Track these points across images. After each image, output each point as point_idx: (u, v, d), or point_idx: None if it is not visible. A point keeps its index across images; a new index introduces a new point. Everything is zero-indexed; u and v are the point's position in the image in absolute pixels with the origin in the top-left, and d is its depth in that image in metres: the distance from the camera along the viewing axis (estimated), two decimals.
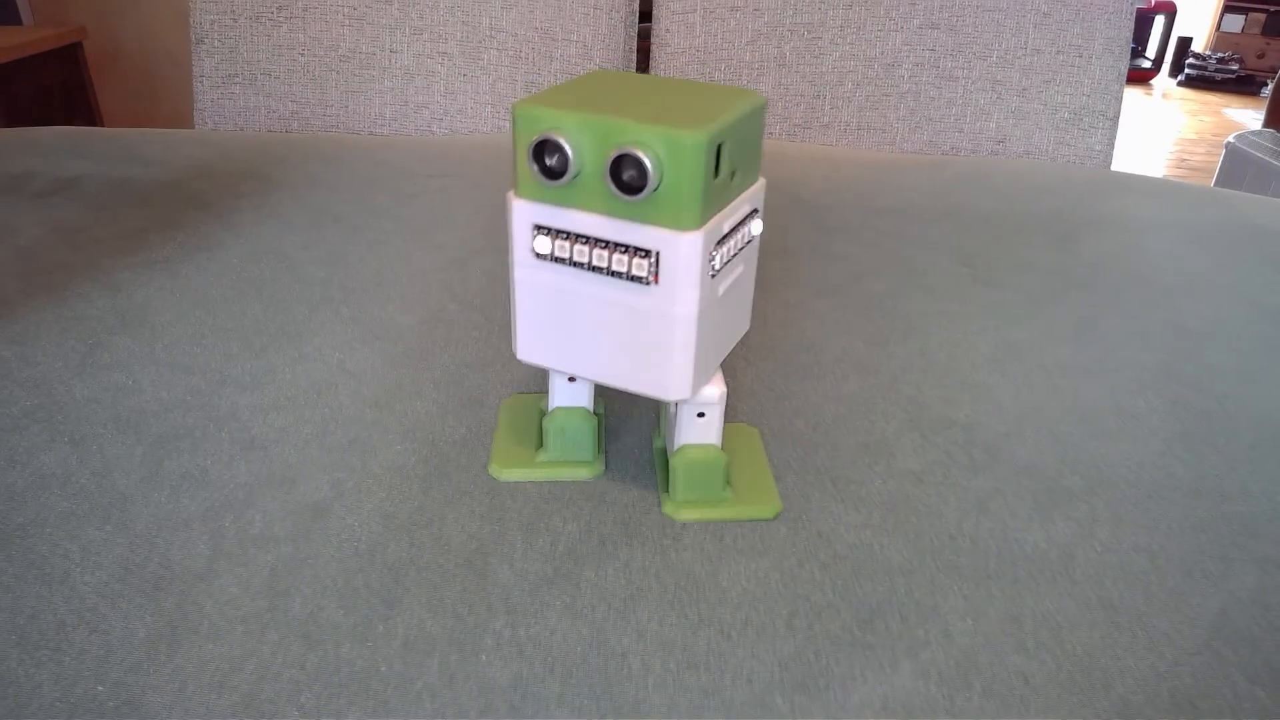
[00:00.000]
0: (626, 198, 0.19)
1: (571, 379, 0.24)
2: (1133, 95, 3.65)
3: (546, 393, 0.29)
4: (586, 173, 0.20)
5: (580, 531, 0.24)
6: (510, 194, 0.21)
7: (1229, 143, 1.53)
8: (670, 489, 0.25)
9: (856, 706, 0.19)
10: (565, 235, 0.21)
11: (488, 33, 0.72)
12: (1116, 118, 0.70)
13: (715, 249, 0.21)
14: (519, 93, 0.72)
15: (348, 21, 0.72)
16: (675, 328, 0.21)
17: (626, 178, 0.19)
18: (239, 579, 0.22)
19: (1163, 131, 3.11)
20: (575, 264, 0.21)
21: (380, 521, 0.24)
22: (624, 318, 0.21)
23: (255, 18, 0.72)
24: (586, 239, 0.21)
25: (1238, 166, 1.49)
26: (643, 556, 0.23)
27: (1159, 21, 3.94)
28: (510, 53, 0.72)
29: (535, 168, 0.20)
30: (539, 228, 0.21)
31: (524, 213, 0.21)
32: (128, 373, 0.30)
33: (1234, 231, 0.48)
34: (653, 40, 0.74)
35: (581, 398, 0.25)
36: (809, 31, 0.70)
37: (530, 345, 0.23)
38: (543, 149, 0.20)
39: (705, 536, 0.24)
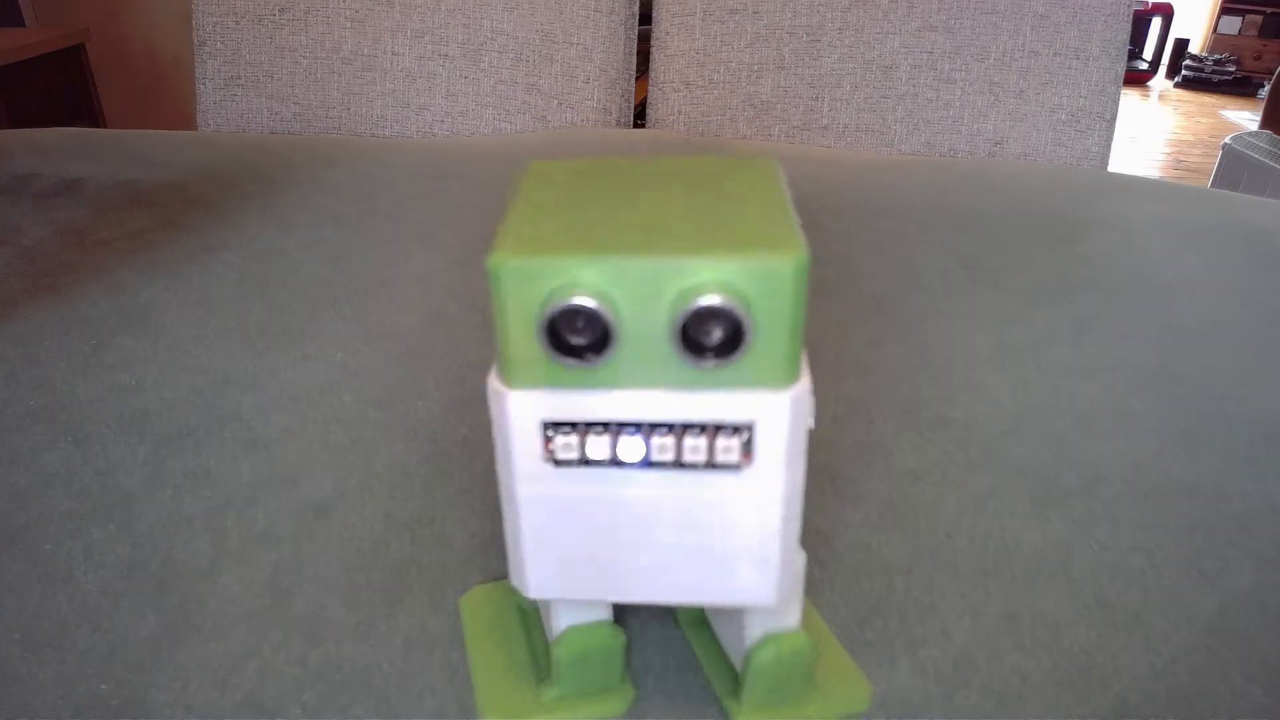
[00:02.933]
0: (704, 364, 0.13)
1: None
2: (1130, 97, 3.66)
3: (507, 580, 0.21)
4: (631, 338, 0.13)
5: None
6: (493, 381, 0.14)
7: (1226, 144, 1.53)
8: (745, 693, 0.18)
9: None
10: (601, 428, 0.14)
11: (489, 35, 0.72)
12: (1114, 119, 0.70)
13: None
14: (520, 95, 0.73)
15: (349, 24, 0.72)
16: (775, 516, 0.15)
17: (709, 339, 0.13)
18: (242, 578, 0.22)
19: (1160, 133, 3.12)
20: (619, 464, 0.15)
21: (382, 520, 0.24)
22: (697, 518, 0.15)
23: (257, 20, 0.72)
24: (636, 427, 0.14)
25: (1234, 168, 1.49)
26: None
27: (1156, 23, 3.95)
28: (511, 55, 0.72)
29: (551, 350, 0.13)
30: (555, 425, 0.14)
31: (528, 409, 0.14)
32: (131, 373, 0.31)
33: (1231, 232, 0.48)
34: (652, 43, 0.74)
35: (599, 608, 0.18)
36: (808, 34, 0.71)
37: (546, 578, 0.16)
38: (558, 322, 0.13)
39: None
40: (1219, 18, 3.88)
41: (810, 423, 0.15)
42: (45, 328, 0.33)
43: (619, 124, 0.75)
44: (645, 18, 0.74)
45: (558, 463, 0.15)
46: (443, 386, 0.30)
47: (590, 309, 0.13)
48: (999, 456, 0.28)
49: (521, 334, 0.14)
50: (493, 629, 0.20)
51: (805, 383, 0.14)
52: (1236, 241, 0.47)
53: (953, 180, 0.54)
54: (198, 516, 0.24)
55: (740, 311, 0.13)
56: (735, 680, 0.19)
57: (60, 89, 1.41)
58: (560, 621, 0.18)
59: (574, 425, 0.14)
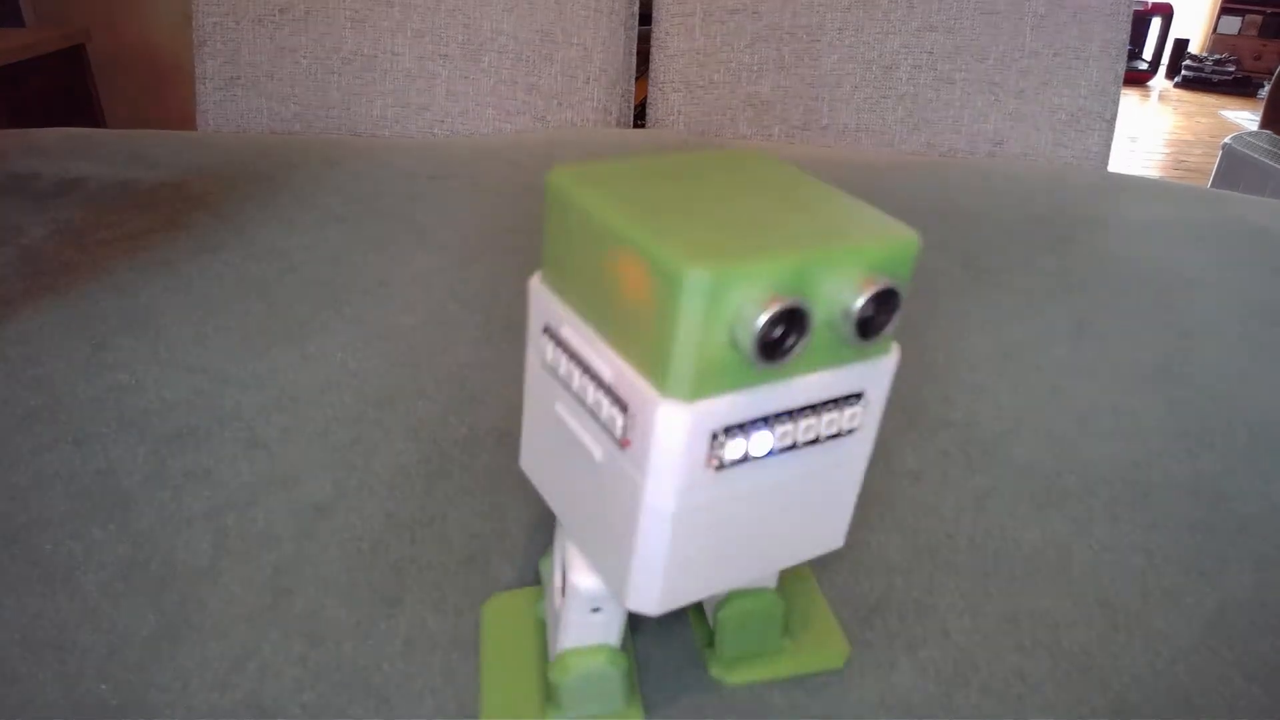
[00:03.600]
0: (866, 342, 0.14)
1: (597, 609, 0.17)
2: (1130, 97, 3.66)
3: (539, 585, 0.21)
4: (818, 328, 0.14)
5: None
6: (652, 400, 0.13)
7: (1226, 144, 1.53)
8: (716, 646, 0.19)
9: (854, 704, 0.19)
10: (765, 421, 0.14)
11: (489, 35, 0.72)
12: (1114, 119, 0.70)
13: None
14: (520, 95, 0.73)
15: (349, 24, 0.72)
16: (863, 464, 0.16)
17: (882, 317, 0.14)
18: (242, 577, 0.22)
19: (1159, 133, 3.12)
20: (781, 450, 0.15)
21: (382, 520, 0.24)
22: (818, 484, 0.16)
23: (257, 20, 0.72)
24: (789, 414, 0.14)
25: (1234, 168, 1.49)
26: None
27: (1156, 23, 3.95)
28: (511, 55, 0.72)
29: (758, 353, 0.13)
30: (728, 430, 0.14)
31: (703, 420, 0.14)
32: (131, 372, 0.31)
33: (1231, 232, 0.48)
34: (652, 43, 0.74)
35: (610, 632, 0.18)
36: (808, 34, 0.71)
37: (677, 588, 0.16)
38: (769, 326, 0.13)
39: None
40: (1219, 18, 3.88)
41: None
42: (45, 328, 0.33)
43: (619, 124, 0.75)
44: (645, 18, 0.74)
45: (720, 467, 0.14)
46: (443, 386, 0.30)
47: (801, 307, 0.13)
48: (999, 456, 0.28)
49: (707, 343, 0.13)
50: (509, 644, 0.20)
51: (899, 347, 0.16)
52: (1237, 241, 0.47)
53: (953, 180, 0.54)
54: (198, 516, 0.24)
55: (900, 287, 0.14)
56: (713, 634, 0.20)
57: (60, 89, 1.41)
58: (562, 644, 0.18)
59: (743, 426, 0.14)
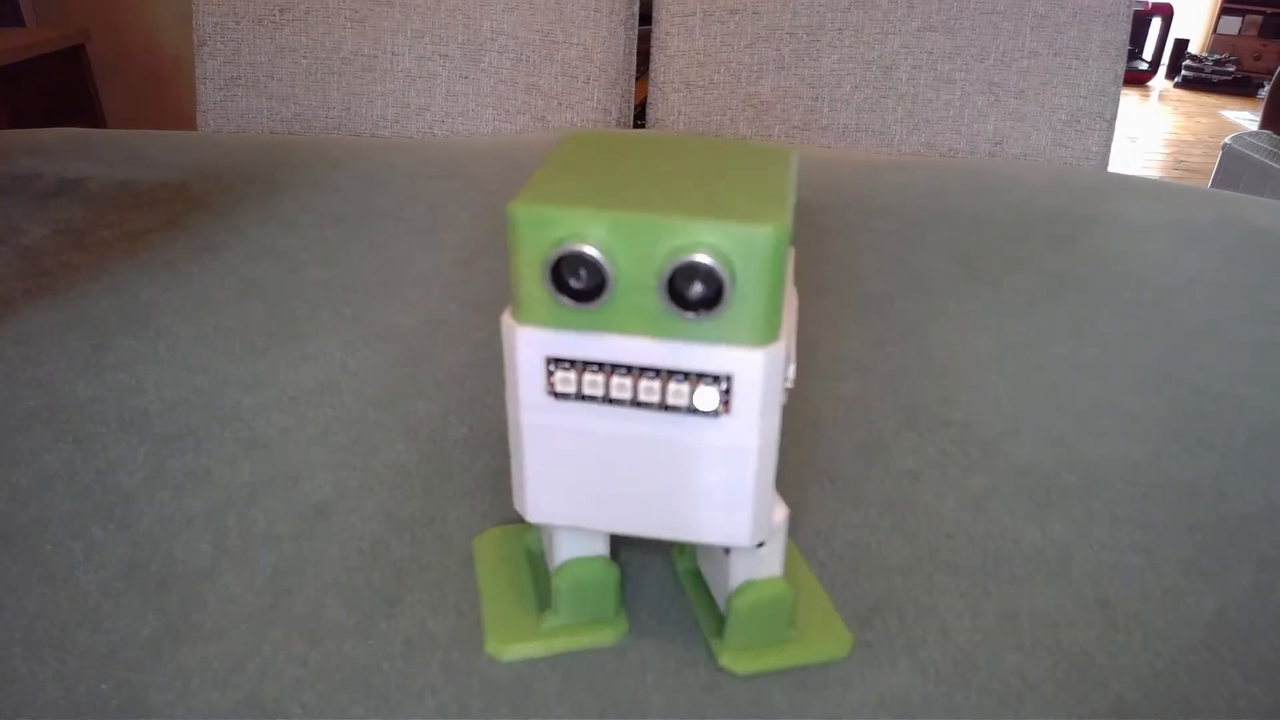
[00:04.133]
0: (688, 316, 0.15)
1: None
2: (1130, 97, 3.66)
3: (528, 524, 0.23)
4: (625, 288, 0.15)
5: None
6: (507, 318, 0.16)
7: (1226, 144, 1.53)
8: (727, 635, 0.20)
9: (855, 704, 0.19)
10: (596, 367, 0.16)
11: (489, 35, 0.72)
12: (1114, 119, 0.70)
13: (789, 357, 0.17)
14: (520, 95, 0.73)
15: (349, 24, 0.72)
16: (750, 463, 0.17)
17: (690, 293, 0.15)
18: (242, 578, 0.22)
19: (1159, 133, 3.12)
20: (612, 401, 0.16)
21: (382, 520, 0.24)
22: (680, 458, 0.17)
23: (258, 20, 0.72)
24: (628, 369, 0.16)
25: (1234, 168, 1.49)
26: (643, 555, 0.23)
27: (1156, 23, 3.95)
28: (511, 55, 0.72)
29: (555, 290, 0.15)
30: (557, 361, 0.16)
31: (534, 344, 0.16)
32: (131, 373, 0.31)
33: (1231, 232, 0.48)
34: (653, 43, 0.74)
35: (596, 544, 0.20)
36: (807, 34, 0.71)
37: (544, 503, 0.18)
38: (563, 266, 0.15)
39: None
40: (1219, 18, 3.88)
41: (789, 383, 0.17)
42: (45, 328, 0.33)
43: (619, 124, 0.75)
44: (645, 18, 0.74)
45: (557, 395, 0.17)
46: (443, 386, 0.30)
47: (589, 255, 0.15)
48: (999, 456, 0.28)
49: (531, 276, 0.15)
50: (502, 566, 0.22)
51: (782, 344, 0.16)
52: (1236, 241, 0.47)
53: (953, 180, 0.54)
54: (198, 516, 0.24)
55: (721, 270, 0.15)
56: (721, 623, 0.20)
57: (60, 89, 1.41)
58: (560, 555, 0.20)
59: (573, 363, 0.16)
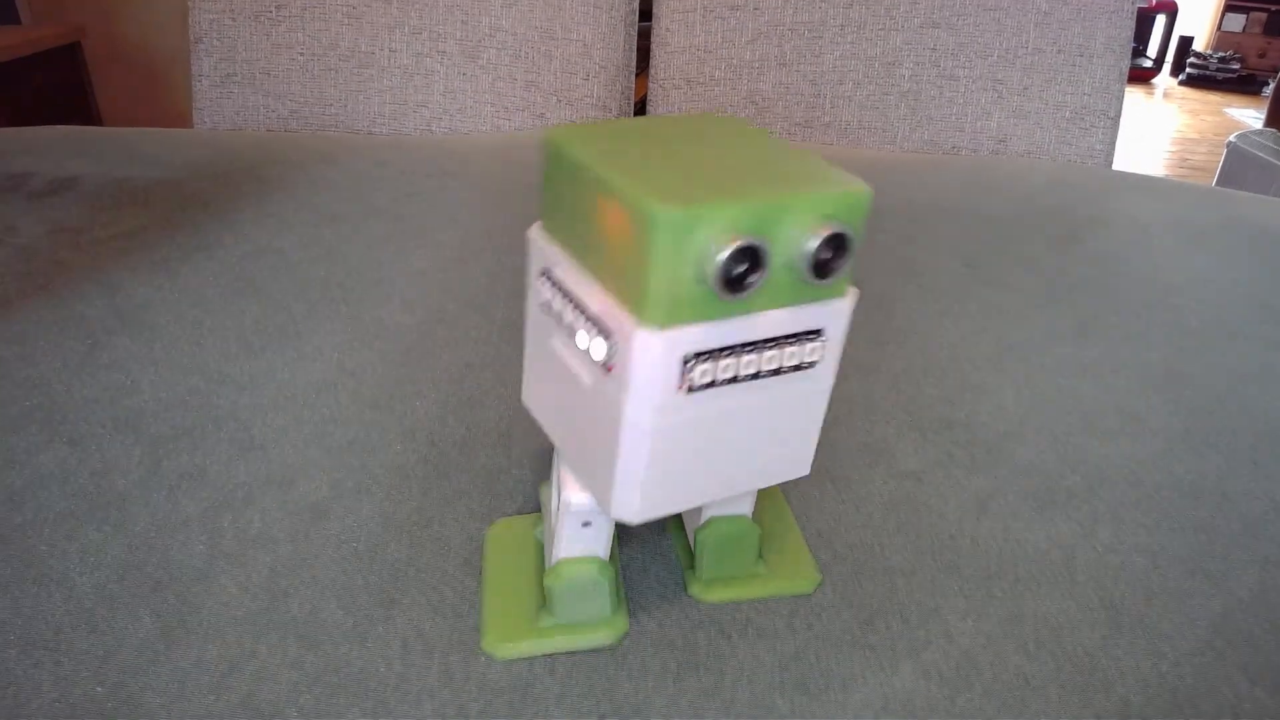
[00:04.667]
0: (821, 281, 0.16)
1: (587, 523, 0.20)
2: (1134, 94, 3.65)
3: (540, 512, 0.23)
4: (774, 267, 0.16)
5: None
6: (631, 327, 0.16)
7: (1230, 142, 1.53)
8: (696, 567, 0.21)
9: (857, 707, 0.19)
10: (729, 351, 0.16)
11: (487, 32, 0.72)
12: (1118, 117, 0.70)
13: None
14: (519, 92, 0.72)
15: (346, 20, 0.72)
16: (826, 399, 0.18)
17: (824, 258, 0.16)
18: (238, 579, 0.22)
19: (1164, 131, 3.11)
20: (736, 380, 0.17)
21: (379, 522, 0.24)
22: (781, 412, 0.18)
23: (254, 17, 0.72)
24: (752, 345, 0.17)
25: (1239, 166, 1.49)
26: (643, 555, 0.23)
27: (1160, 21, 3.94)
28: (510, 52, 0.72)
29: (722, 286, 0.15)
30: (698, 355, 0.16)
31: (676, 345, 0.16)
32: (126, 372, 0.30)
33: (1236, 231, 0.48)
34: (653, 39, 0.74)
35: (597, 544, 0.20)
36: (809, 30, 0.70)
37: (658, 499, 0.18)
38: (730, 262, 0.15)
39: None
40: (1223, 15, 3.87)
41: None
42: (40, 327, 0.33)
43: None
44: (645, 14, 0.74)
45: (691, 390, 0.17)
46: (440, 387, 0.30)
47: (758, 245, 0.15)
48: (1002, 457, 0.28)
49: (675, 277, 0.15)
50: (509, 560, 0.22)
51: (855, 291, 0.18)
52: (1242, 241, 0.46)
53: (955, 178, 0.54)
54: (194, 517, 0.24)
55: (851, 233, 0.16)
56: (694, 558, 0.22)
57: (56, 87, 1.41)
58: (558, 554, 0.20)
59: (710, 353, 0.16)
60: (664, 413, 0.17)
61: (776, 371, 0.17)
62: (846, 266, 0.16)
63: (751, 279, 0.15)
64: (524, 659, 0.20)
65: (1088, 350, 0.35)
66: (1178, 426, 0.30)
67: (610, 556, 0.21)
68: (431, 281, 0.38)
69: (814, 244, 0.15)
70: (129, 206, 0.44)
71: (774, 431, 0.18)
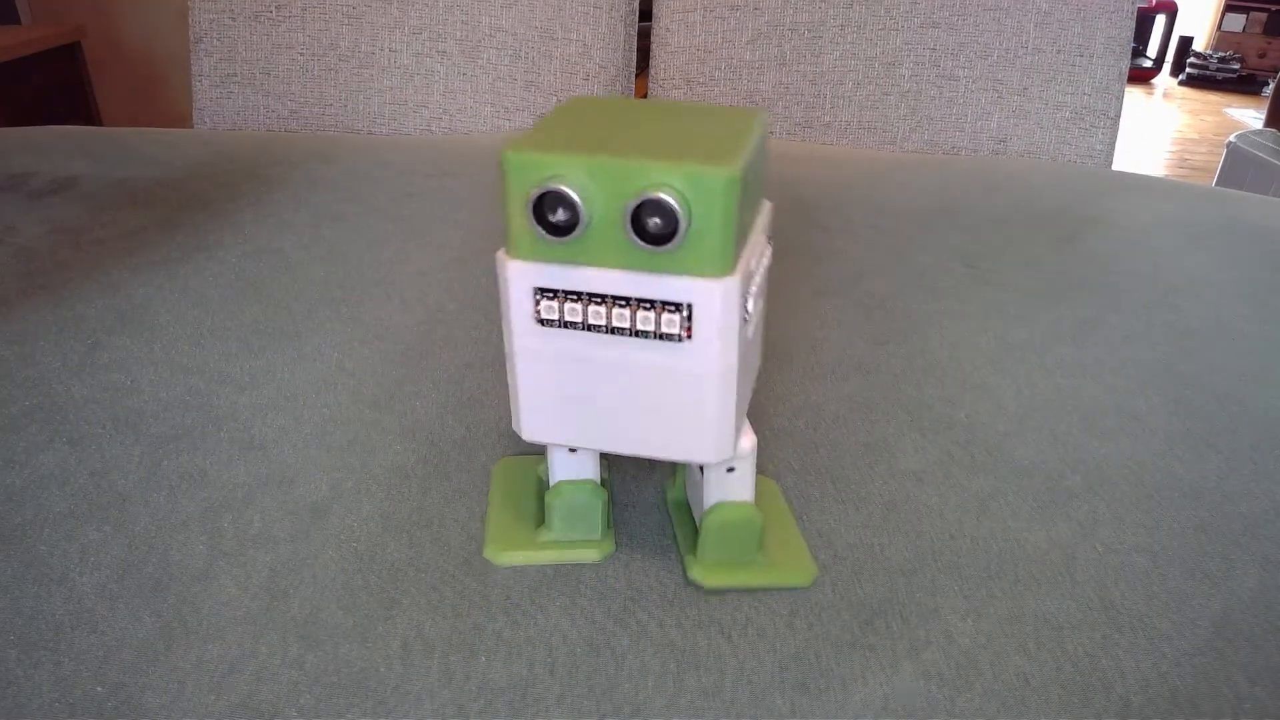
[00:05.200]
0: (650, 249, 0.17)
1: (573, 449, 0.22)
2: (1134, 94, 3.65)
3: (544, 456, 0.25)
4: (598, 224, 0.17)
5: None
6: (501, 255, 0.19)
7: (1230, 142, 1.53)
8: (699, 551, 0.22)
9: (857, 707, 0.19)
10: (576, 296, 0.18)
11: (487, 32, 0.72)
12: (1118, 117, 0.70)
13: (748, 292, 0.19)
14: (519, 92, 0.72)
15: (346, 21, 0.72)
16: (712, 385, 0.19)
17: (651, 227, 0.17)
18: (238, 579, 0.22)
19: (1164, 131, 3.11)
20: (590, 327, 0.19)
21: (379, 522, 0.24)
22: (651, 380, 0.19)
23: (254, 17, 0.72)
24: (602, 298, 0.18)
25: (1239, 166, 1.49)
26: (643, 556, 0.23)
27: (1160, 21, 3.93)
28: (510, 52, 0.72)
29: (536, 225, 0.17)
30: (542, 291, 0.18)
31: (522, 276, 0.18)
32: (126, 373, 0.30)
33: (1236, 231, 0.48)
34: (653, 39, 0.74)
35: (587, 469, 0.22)
36: (809, 30, 0.70)
37: (537, 422, 0.20)
38: (544, 203, 0.17)
39: None
40: (1223, 15, 3.87)
41: (748, 316, 0.19)
42: (40, 327, 0.33)
43: None
44: (645, 14, 0.74)
45: (542, 322, 0.19)
46: (440, 386, 0.30)
47: (562, 192, 0.17)
48: (1002, 457, 0.28)
49: (519, 214, 0.18)
50: (512, 490, 0.25)
51: (737, 279, 0.18)
52: (1241, 240, 0.46)
53: (955, 178, 0.54)
54: (193, 517, 0.24)
55: (676, 206, 0.17)
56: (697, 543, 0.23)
57: (56, 87, 1.41)
58: (555, 477, 0.22)
59: (555, 293, 0.19)
60: (525, 339, 0.19)
61: (633, 332, 0.19)
62: (677, 240, 0.17)
63: (567, 227, 0.17)
64: (519, 566, 0.22)
65: (1088, 350, 0.35)
66: (1178, 426, 0.30)
67: (603, 486, 0.23)
68: (431, 281, 0.38)
69: (631, 206, 0.17)
70: (129, 206, 0.44)
71: (656, 401, 0.19)
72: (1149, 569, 0.23)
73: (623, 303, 0.18)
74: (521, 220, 0.18)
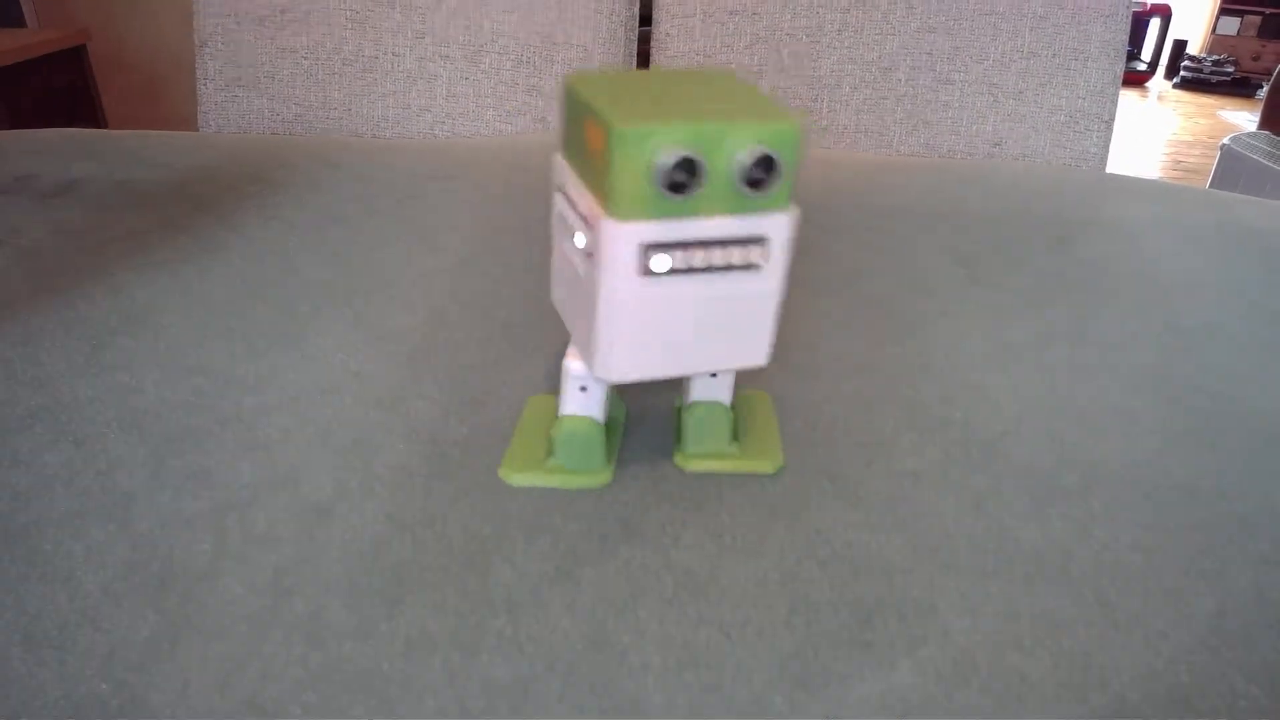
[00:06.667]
0: (754, 194, 0.20)
1: (584, 388, 0.25)
2: (1128, 97, 3.66)
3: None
4: (711, 179, 0.20)
5: (581, 530, 0.24)
6: (601, 219, 0.20)
7: (1224, 145, 1.54)
8: (680, 441, 0.26)
9: (855, 704, 0.19)
10: (682, 246, 0.21)
11: (489, 36, 0.72)
12: (1112, 120, 0.70)
13: None
14: (520, 96, 0.73)
15: (350, 25, 0.72)
16: (774, 301, 0.22)
17: (755, 175, 0.20)
18: (242, 578, 0.22)
19: (1158, 134, 3.12)
20: (691, 270, 0.21)
21: (383, 521, 0.24)
22: (731, 306, 0.22)
23: (259, 21, 0.72)
24: (704, 243, 0.21)
25: (1233, 168, 1.49)
26: (643, 555, 0.23)
27: (1154, 24, 3.95)
28: (512, 56, 0.72)
29: (664, 189, 0.20)
30: (654, 246, 0.21)
31: (632, 235, 0.20)
32: (131, 373, 0.31)
33: (1229, 233, 0.48)
34: (653, 44, 0.74)
35: (593, 408, 0.25)
36: (807, 35, 0.71)
37: (628, 364, 0.23)
38: (673, 169, 0.19)
39: (704, 536, 0.24)
40: (1217, 18, 3.88)
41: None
42: (45, 328, 0.33)
43: None
44: (645, 19, 0.74)
45: (649, 274, 0.21)
46: (444, 387, 0.30)
47: (694, 158, 0.19)
48: (999, 456, 0.28)
49: (634, 181, 0.20)
50: (536, 423, 0.28)
51: (795, 209, 0.22)
52: (1235, 242, 0.47)
53: (952, 181, 0.54)
54: (198, 517, 0.24)
55: (778, 155, 0.20)
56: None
57: (61, 89, 1.41)
58: (562, 412, 0.25)
59: (663, 245, 0.21)
60: (629, 290, 0.21)
61: (725, 269, 0.21)
62: (778, 183, 0.20)
63: (690, 185, 0.20)
64: (528, 487, 0.25)
65: (1083, 350, 0.35)
66: (1173, 426, 0.30)
67: (611, 427, 0.27)
68: (435, 283, 0.38)
69: (747, 161, 0.20)
70: (134, 208, 0.45)
71: (729, 321, 0.22)
72: (1145, 567, 0.24)
73: (718, 244, 0.21)
74: (634, 185, 0.20)
